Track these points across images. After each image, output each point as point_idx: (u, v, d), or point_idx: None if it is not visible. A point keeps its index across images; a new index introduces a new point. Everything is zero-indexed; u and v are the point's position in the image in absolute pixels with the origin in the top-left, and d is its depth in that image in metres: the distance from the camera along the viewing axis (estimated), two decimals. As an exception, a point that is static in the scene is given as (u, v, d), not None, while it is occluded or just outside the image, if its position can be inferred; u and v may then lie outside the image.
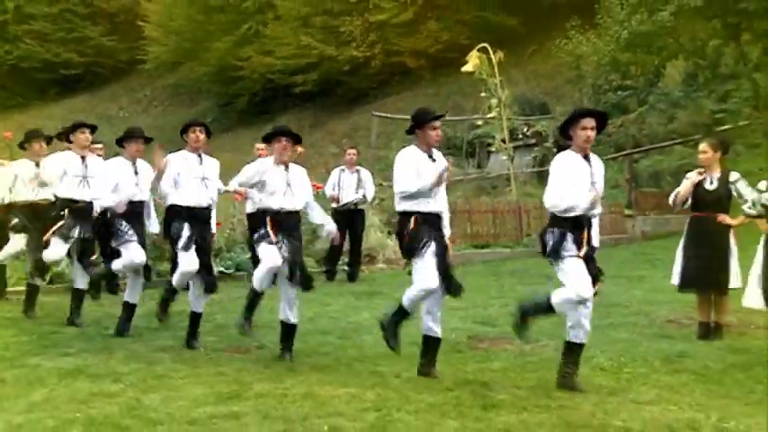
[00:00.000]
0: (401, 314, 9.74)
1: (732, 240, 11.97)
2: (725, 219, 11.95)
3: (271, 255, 10.37)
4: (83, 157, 12.94)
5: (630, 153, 27.81)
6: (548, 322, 10.18)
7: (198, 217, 11.47)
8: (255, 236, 10.73)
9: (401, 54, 44.91)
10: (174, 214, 11.43)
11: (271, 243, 10.43)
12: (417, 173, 9.57)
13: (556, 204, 8.94)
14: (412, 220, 9.57)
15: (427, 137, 9.74)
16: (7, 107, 57.30)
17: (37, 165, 13.56)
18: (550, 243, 9.04)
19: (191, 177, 11.41)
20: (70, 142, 13.03)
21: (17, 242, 13.72)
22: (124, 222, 11.93)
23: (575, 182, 8.95)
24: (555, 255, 9.00)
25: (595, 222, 9.24)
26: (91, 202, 12.88)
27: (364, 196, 17.84)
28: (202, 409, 8.23)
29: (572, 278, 8.88)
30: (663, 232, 23.39)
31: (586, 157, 9.11)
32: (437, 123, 9.81)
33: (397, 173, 9.67)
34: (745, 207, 11.56)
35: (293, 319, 10.59)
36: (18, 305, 13.85)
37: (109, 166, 12.28)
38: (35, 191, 13.53)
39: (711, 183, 11.96)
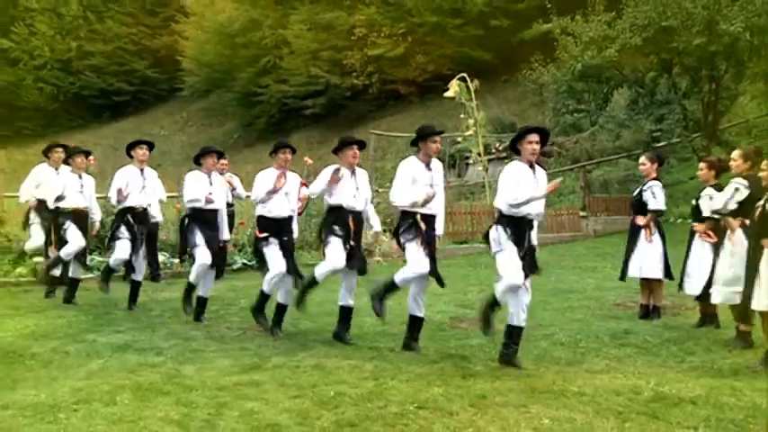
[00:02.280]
0: (391, 288, 9.73)
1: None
2: (639, 219, 12.01)
3: (338, 253, 10.09)
4: (141, 170, 12.83)
5: (584, 165, 27.79)
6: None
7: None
8: (325, 232, 10.21)
9: (394, 82, 44.93)
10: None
11: (339, 237, 10.13)
12: (413, 181, 9.54)
13: (512, 200, 8.85)
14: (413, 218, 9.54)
15: (428, 149, 9.70)
16: (70, 128, 57.39)
17: (80, 176, 13.48)
18: (492, 238, 9.01)
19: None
20: (131, 157, 12.92)
21: (77, 240, 13.48)
22: (197, 229, 11.71)
23: (521, 186, 8.92)
24: (496, 246, 8.97)
25: (535, 225, 9.18)
26: (146, 208, 12.87)
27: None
28: (229, 377, 8.25)
29: (505, 269, 8.82)
30: (611, 230, 23.41)
31: (531, 167, 9.09)
32: (437, 137, 9.77)
33: (395, 183, 9.62)
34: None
35: (352, 302, 10.41)
36: (78, 290, 13.75)
37: (189, 177, 11.90)
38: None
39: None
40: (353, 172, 10.32)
